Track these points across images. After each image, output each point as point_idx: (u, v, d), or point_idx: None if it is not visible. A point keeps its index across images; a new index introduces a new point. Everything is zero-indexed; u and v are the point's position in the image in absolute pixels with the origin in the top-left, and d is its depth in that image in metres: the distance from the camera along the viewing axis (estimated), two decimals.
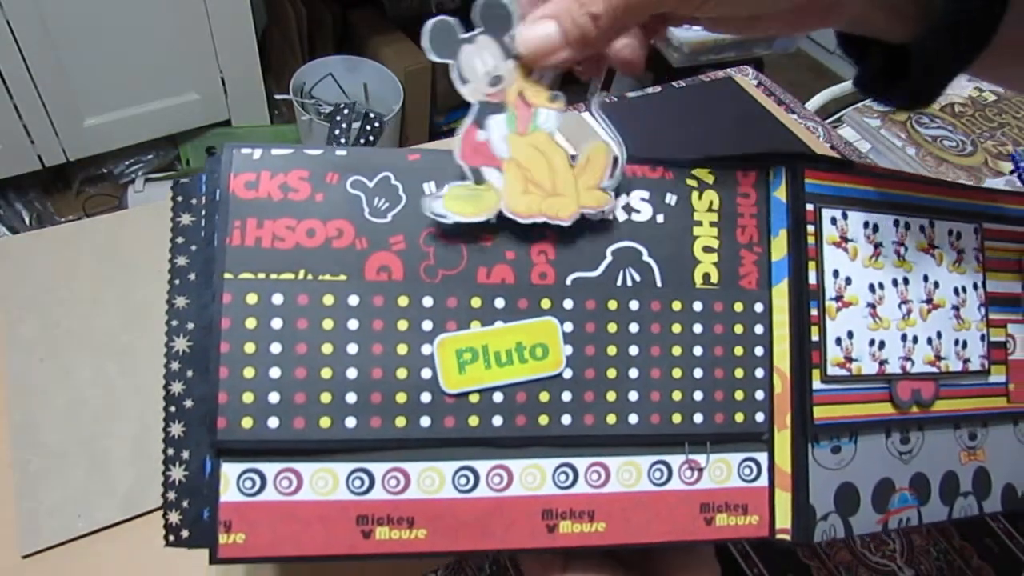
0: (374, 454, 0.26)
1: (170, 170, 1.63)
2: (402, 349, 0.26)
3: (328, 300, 0.26)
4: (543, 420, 0.27)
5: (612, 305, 0.28)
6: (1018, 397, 0.34)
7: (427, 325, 0.26)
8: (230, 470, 0.25)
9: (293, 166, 0.26)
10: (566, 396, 0.27)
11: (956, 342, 0.32)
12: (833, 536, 0.29)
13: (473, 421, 0.26)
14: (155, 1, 1.34)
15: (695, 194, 0.29)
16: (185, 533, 0.26)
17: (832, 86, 0.95)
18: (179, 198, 0.29)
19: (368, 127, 1.55)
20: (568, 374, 0.27)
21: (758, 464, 0.29)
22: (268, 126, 1.68)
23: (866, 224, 0.31)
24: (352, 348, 0.26)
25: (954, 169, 0.72)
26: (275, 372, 0.25)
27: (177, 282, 0.27)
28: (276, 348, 0.25)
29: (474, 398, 0.26)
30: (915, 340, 0.31)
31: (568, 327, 0.27)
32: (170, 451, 0.27)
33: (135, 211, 0.54)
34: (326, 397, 0.25)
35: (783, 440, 0.29)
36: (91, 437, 0.42)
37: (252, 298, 0.25)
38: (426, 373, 0.26)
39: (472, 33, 0.25)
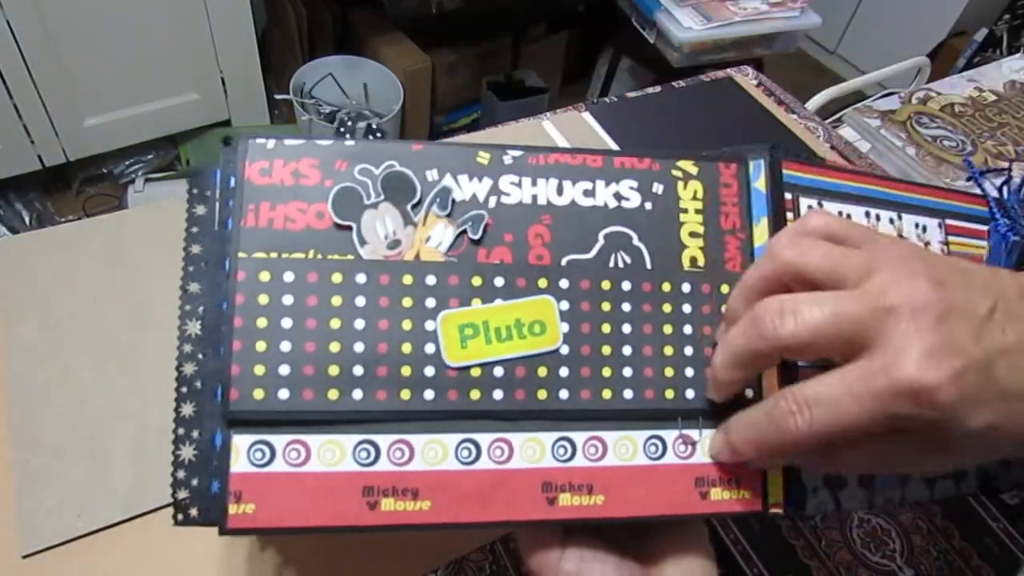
0: (379, 425, 0.27)
1: (170, 170, 1.63)
2: (407, 325, 0.27)
3: (336, 278, 0.27)
4: (542, 395, 0.28)
5: (605, 285, 0.29)
6: None
7: (431, 302, 0.28)
8: (240, 441, 0.26)
9: (304, 155, 0.28)
10: (563, 371, 0.28)
11: None
12: (824, 510, 0.30)
13: (475, 394, 0.27)
14: (155, 1, 1.34)
15: (680, 184, 0.31)
16: (194, 511, 0.27)
17: (832, 86, 0.95)
18: (194, 190, 0.30)
19: (370, 136, 1.55)
20: (565, 350, 0.28)
21: None
22: (268, 126, 1.68)
23: (839, 213, 0.33)
24: (359, 323, 0.27)
25: (954, 169, 0.72)
26: (286, 346, 0.26)
27: (191, 268, 0.29)
28: (287, 323, 0.26)
29: (476, 372, 0.27)
30: None
31: (564, 305, 0.29)
32: (180, 431, 0.27)
33: (135, 211, 0.54)
34: (334, 370, 0.26)
35: None
36: (91, 437, 0.42)
37: (265, 276, 0.27)
38: (430, 348, 0.27)
39: (375, 200, 0.28)
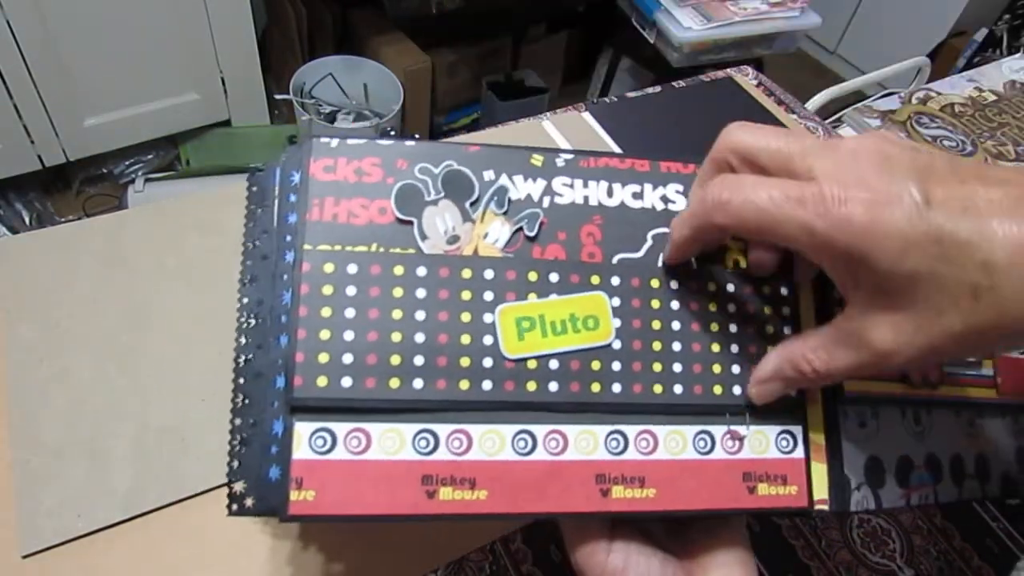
0: (438, 415, 0.27)
1: (170, 170, 1.63)
2: (465, 317, 0.28)
3: (398, 270, 0.28)
4: (595, 387, 0.29)
5: (655, 283, 0.30)
6: (1005, 389, 0.36)
7: (488, 296, 0.28)
8: (303, 428, 0.26)
9: (367, 154, 0.29)
10: (616, 365, 0.29)
11: None
12: (866, 507, 0.31)
13: (531, 386, 0.28)
14: (155, 1, 1.34)
15: None
16: (250, 501, 0.27)
17: (832, 86, 0.95)
18: (253, 188, 0.32)
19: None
20: (617, 345, 0.29)
21: (794, 436, 0.30)
22: (268, 126, 1.68)
23: None
24: (420, 315, 0.28)
25: None
26: (349, 335, 0.27)
27: (249, 263, 0.30)
28: (350, 313, 0.27)
29: (532, 364, 0.28)
30: None
31: (616, 302, 0.29)
32: (237, 421, 0.28)
33: (135, 211, 0.54)
34: (396, 359, 0.27)
35: (816, 413, 0.31)
36: (91, 437, 0.42)
37: (329, 267, 0.27)
38: (488, 340, 0.28)
39: (435, 197, 0.29)
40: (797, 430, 0.30)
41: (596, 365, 0.29)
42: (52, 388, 0.43)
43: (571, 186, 0.31)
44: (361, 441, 0.26)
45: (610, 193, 0.31)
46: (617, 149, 0.64)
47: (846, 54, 2.37)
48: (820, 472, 0.30)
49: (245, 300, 0.29)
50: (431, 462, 0.27)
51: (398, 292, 0.28)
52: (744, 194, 0.25)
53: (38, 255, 0.49)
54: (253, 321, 0.29)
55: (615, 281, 0.30)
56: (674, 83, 0.74)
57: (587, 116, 0.67)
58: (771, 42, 1.55)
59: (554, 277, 0.29)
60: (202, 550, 0.38)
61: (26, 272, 0.48)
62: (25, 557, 0.37)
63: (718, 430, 0.29)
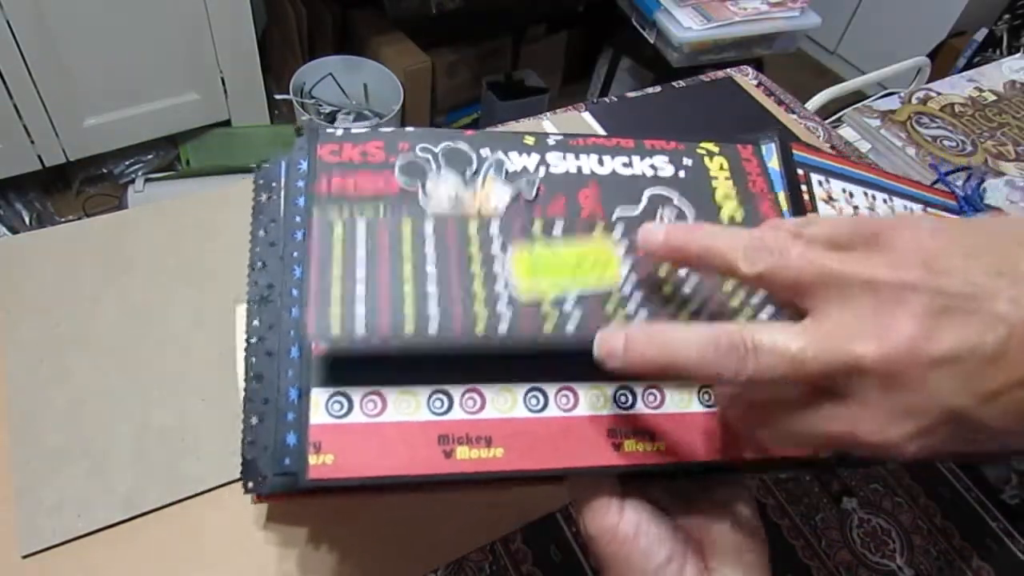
0: (452, 375, 0.27)
1: (170, 170, 1.63)
2: (475, 267, 0.29)
3: (406, 228, 0.29)
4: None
5: None
6: None
7: (496, 246, 0.29)
8: (319, 394, 0.26)
9: (370, 139, 0.31)
10: (630, 308, 0.29)
11: None
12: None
13: (548, 327, 0.28)
14: (155, 1, 1.34)
15: (706, 158, 0.34)
16: (267, 475, 0.27)
17: (832, 86, 0.95)
18: (260, 180, 0.33)
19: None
20: (627, 289, 0.29)
21: None
22: (268, 126, 1.68)
23: (843, 190, 0.37)
24: (430, 268, 0.28)
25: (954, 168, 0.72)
26: (361, 289, 0.27)
27: (258, 250, 0.31)
28: (361, 272, 0.28)
29: (546, 307, 0.28)
30: None
31: (621, 250, 0.30)
32: (252, 397, 0.28)
33: (135, 211, 0.54)
34: (409, 308, 0.27)
35: None
36: (91, 437, 0.42)
37: (338, 229, 0.28)
38: (500, 286, 0.28)
39: (436, 169, 0.31)
40: None
41: (609, 308, 0.29)
42: (52, 388, 0.43)
43: (564, 158, 0.32)
44: (377, 404, 0.26)
45: (601, 163, 0.32)
46: None
47: (846, 54, 2.37)
48: None
49: (257, 283, 0.30)
50: (447, 422, 0.27)
51: (407, 248, 0.28)
52: None
53: (38, 255, 0.49)
54: (264, 303, 0.29)
55: (617, 233, 0.30)
56: (674, 83, 0.74)
57: (587, 116, 0.67)
58: (771, 42, 1.55)
59: (559, 227, 0.30)
60: (202, 550, 0.38)
61: (26, 272, 0.48)
62: (25, 557, 0.37)
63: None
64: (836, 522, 0.45)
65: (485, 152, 0.31)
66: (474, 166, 0.31)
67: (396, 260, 0.28)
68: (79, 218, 1.43)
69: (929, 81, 0.89)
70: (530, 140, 0.32)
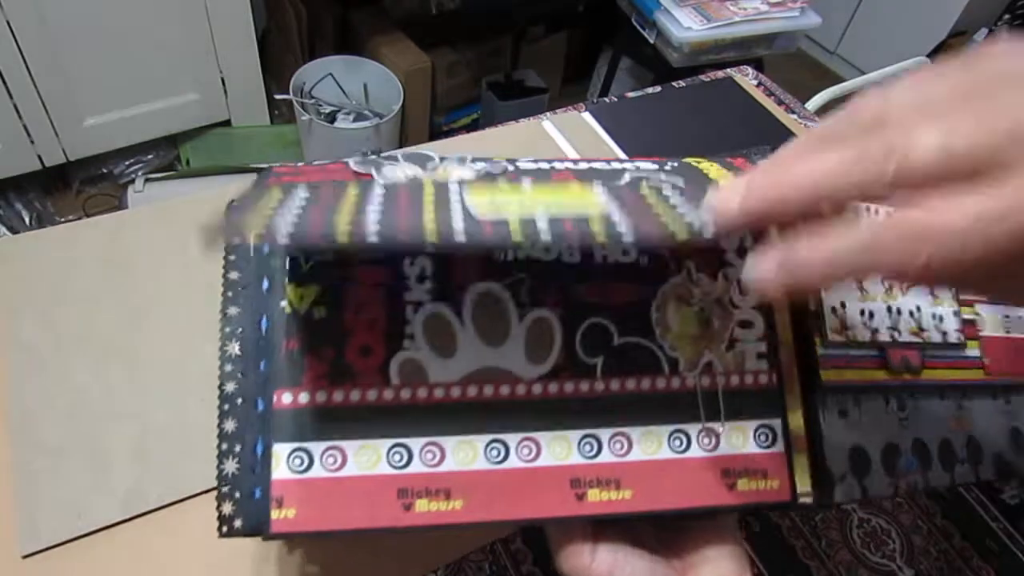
0: (411, 428, 0.27)
1: (170, 170, 1.63)
2: (429, 213, 0.23)
3: (352, 189, 0.26)
4: (601, 238, 0.23)
5: (646, 191, 0.28)
6: (993, 370, 0.36)
7: (454, 191, 0.26)
8: (280, 449, 0.26)
9: (333, 162, 0.30)
10: (620, 228, 0.23)
11: (934, 316, 0.34)
12: (852, 497, 0.30)
13: (518, 238, 0.22)
14: (155, 1, 1.34)
15: (694, 161, 0.33)
16: (239, 522, 0.27)
17: (832, 86, 0.95)
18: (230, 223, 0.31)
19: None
20: (614, 211, 0.24)
21: (773, 430, 0.30)
22: (268, 126, 1.68)
23: None
24: (373, 212, 0.23)
25: None
26: (293, 208, 0.23)
27: (230, 294, 0.30)
28: (295, 203, 0.23)
29: (515, 226, 0.23)
30: (899, 312, 0.33)
31: (603, 195, 0.27)
32: (224, 446, 0.28)
33: (135, 211, 0.54)
34: (344, 218, 0.22)
35: (794, 405, 0.31)
36: (91, 437, 0.42)
37: (277, 192, 0.25)
38: (457, 217, 0.23)
39: (394, 157, 0.30)
40: (776, 423, 0.30)
41: (596, 228, 0.23)
42: (52, 388, 0.43)
43: (535, 161, 0.31)
44: (337, 459, 0.27)
45: (576, 163, 0.31)
46: (617, 148, 0.64)
47: (846, 54, 2.37)
48: (802, 465, 0.30)
49: (227, 329, 0.29)
50: (406, 475, 0.27)
51: (351, 191, 0.25)
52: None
53: (38, 255, 0.49)
54: (235, 350, 0.29)
55: (599, 189, 0.27)
56: (674, 83, 0.74)
57: (587, 116, 0.67)
58: (771, 42, 1.55)
59: (527, 182, 0.28)
60: (202, 550, 0.38)
61: (26, 272, 0.48)
62: (25, 557, 0.37)
63: (693, 428, 0.29)
64: (836, 522, 0.45)
65: (450, 156, 0.31)
66: (435, 160, 0.30)
67: (337, 198, 0.24)
68: (79, 218, 1.43)
69: None
70: (500, 157, 0.31)
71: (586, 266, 0.29)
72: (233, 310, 0.30)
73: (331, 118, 1.69)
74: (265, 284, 0.28)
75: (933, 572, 0.44)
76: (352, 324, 0.27)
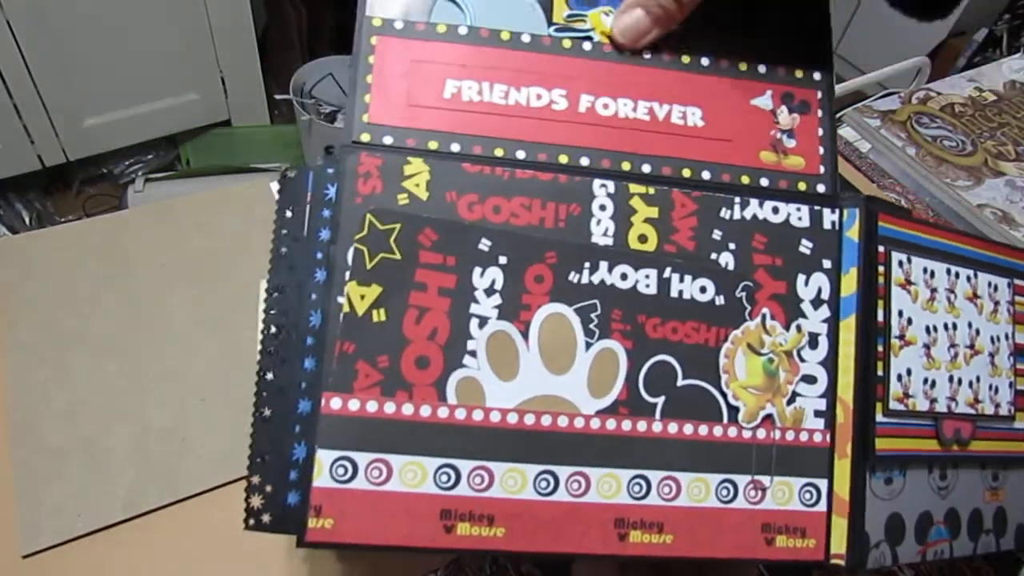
0: (462, 449, 0.27)
1: (170, 170, 1.63)
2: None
3: None
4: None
5: None
6: None
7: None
8: (324, 456, 0.26)
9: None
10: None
11: (991, 387, 0.34)
12: (882, 564, 0.30)
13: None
14: (155, 1, 1.34)
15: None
16: (266, 518, 0.27)
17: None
18: (285, 193, 0.30)
19: None
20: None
21: (818, 489, 0.30)
22: (268, 126, 1.68)
23: (925, 269, 0.33)
24: None
25: (954, 169, 0.72)
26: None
27: (278, 272, 0.28)
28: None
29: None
30: (959, 382, 0.33)
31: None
32: (259, 436, 0.27)
33: (135, 211, 0.54)
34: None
35: (843, 468, 0.30)
36: (91, 437, 0.42)
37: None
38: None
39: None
40: (822, 483, 0.30)
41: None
42: (52, 388, 0.43)
43: None
44: (382, 472, 0.26)
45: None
46: None
47: (846, 54, 2.37)
48: (840, 527, 0.30)
49: (272, 311, 0.28)
50: (451, 496, 0.26)
51: None
52: None
53: (38, 255, 0.49)
54: (278, 333, 0.28)
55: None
56: None
57: None
58: None
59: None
60: (202, 550, 0.38)
61: (26, 272, 0.48)
62: (25, 557, 0.37)
63: (742, 479, 0.29)
64: None
65: None
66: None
67: None
68: (79, 218, 1.43)
69: (929, 81, 0.89)
70: None
71: (660, 298, 0.29)
72: (277, 288, 0.28)
73: (331, 118, 1.69)
74: (319, 275, 0.27)
75: (933, 572, 0.44)
76: (412, 332, 0.27)
